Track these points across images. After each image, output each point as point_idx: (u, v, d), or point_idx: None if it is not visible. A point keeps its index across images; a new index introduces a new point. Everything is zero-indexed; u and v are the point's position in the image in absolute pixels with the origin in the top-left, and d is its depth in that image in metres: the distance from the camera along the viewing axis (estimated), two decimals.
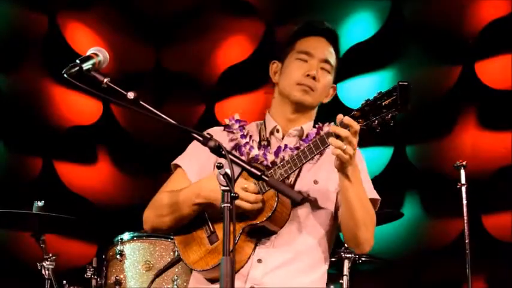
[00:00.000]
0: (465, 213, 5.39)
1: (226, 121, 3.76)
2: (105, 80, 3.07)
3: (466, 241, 5.39)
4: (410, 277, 6.91)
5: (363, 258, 5.60)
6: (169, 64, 7.39)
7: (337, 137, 3.30)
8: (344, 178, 3.39)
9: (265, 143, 3.65)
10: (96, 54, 3.13)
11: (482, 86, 6.76)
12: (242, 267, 3.45)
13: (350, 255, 5.52)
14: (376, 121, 3.34)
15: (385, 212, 5.86)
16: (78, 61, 3.06)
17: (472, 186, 5.49)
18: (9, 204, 5.48)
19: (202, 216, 3.53)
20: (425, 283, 6.90)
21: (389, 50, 7.06)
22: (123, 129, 7.26)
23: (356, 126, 3.31)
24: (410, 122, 6.94)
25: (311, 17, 7.14)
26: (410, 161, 6.98)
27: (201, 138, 3.08)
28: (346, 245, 3.58)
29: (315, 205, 3.56)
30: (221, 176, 2.87)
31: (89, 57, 3.11)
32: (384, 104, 3.32)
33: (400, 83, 3.28)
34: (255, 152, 3.58)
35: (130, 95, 3.05)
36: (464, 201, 5.40)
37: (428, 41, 6.98)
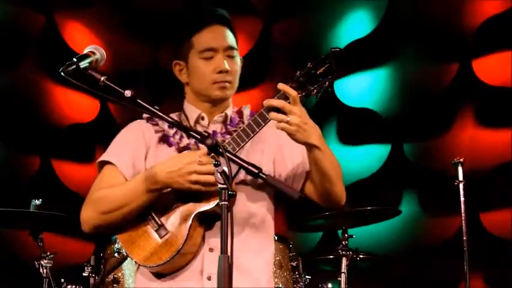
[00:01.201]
0: (463, 211, 5.40)
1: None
2: (103, 78, 3.08)
3: (464, 238, 5.39)
4: (408, 274, 6.91)
5: (361, 256, 5.60)
6: (166, 63, 7.38)
7: (277, 110, 3.28)
8: (307, 147, 3.35)
9: None
10: (93, 53, 3.13)
11: (480, 83, 6.76)
12: (194, 257, 3.39)
13: (348, 253, 5.52)
14: (315, 90, 3.36)
15: (383, 209, 5.88)
16: (75, 59, 3.07)
17: (469, 184, 5.49)
18: (7, 202, 5.47)
19: (144, 211, 3.43)
20: (423, 280, 6.90)
21: (386, 48, 7.06)
22: (121, 127, 7.25)
23: (293, 92, 3.29)
24: (408, 120, 6.95)
25: (308, 15, 7.21)
26: (408, 158, 6.98)
27: (198, 136, 3.08)
28: (321, 204, 3.52)
29: (253, 180, 3.47)
30: (218, 174, 2.87)
31: (86, 56, 3.11)
32: (318, 72, 3.34)
33: (332, 49, 3.33)
34: (186, 140, 3.51)
35: (128, 93, 3.05)
36: (462, 199, 5.40)
37: (425, 38, 6.98)
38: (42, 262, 5.30)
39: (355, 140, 7.00)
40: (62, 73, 3.05)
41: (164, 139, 3.57)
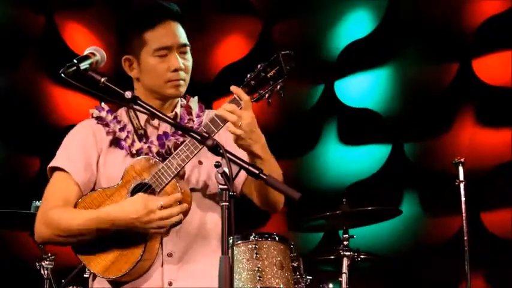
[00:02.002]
0: (464, 210, 5.39)
1: (95, 112, 3.65)
2: (103, 80, 3.08)
3: (465, 238, 5.39)
4: (409, 274, 6.91)
5: (362, 256, 5.59)
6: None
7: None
8: (249, 155, 3.30)
9: (142, 131, 3.50)
10: (94, 54, 3.13)
11: (480, 83, 6.76)
12: (153, 264, 3.36)
13: (349, 253, 5.52)
14: (267, 94, 3.33)
15: (384, 209, 5.87)
16: (75, 61, 3.07)
17: (470, 183, 5.49)
18: (8, 204, 5.47)
19: None
20: (424, 280, 6.90)
21: (386, 48, 7.06)
22: None
23: (245, 97, 3.27)
24: (408, 120, 6.95)
25: (309, 16, 7.20)
26: (409, 158, 6.98)
27: (198, 137, 3.08)
28: (259, 206, 3.52)
29: (203, 186, 3.47)
30: (219, 175, 2.87)
31: (86, 57, 3.11)
32: (269, 75, 3.31)
33: (282, 52, 3.30)
34: (138, 145, 3.46)
35: (128, 94, 3.05)
36: (463, 198, 5.40)
37: (426, 38, 6.98)
38: (43, 263, 5.30)
39: (356, 140, 7.00)
40: (62, 74, 3.05)
41: (115, 142, 3.51)
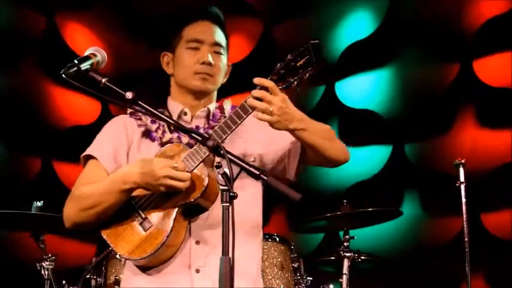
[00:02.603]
0: (464, 212, 5.39)
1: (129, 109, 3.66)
2: (104, 80, 3.08)
3: (465, 239, 5.38)
4: (409, 275, 6.91)
5: (362, 257, 5.59)
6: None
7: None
8: (292, 133, 3.38)
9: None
10: (94, 55, 3.13)
11: (481, 84, 6.76)
12: (180, 250, 3.41)
13: (349, 254, 5.52)
14: (295, 82, 3.39)
15: (384, 210, 5.87)
16: (76, 61, 3.07)
17: (471, 185, 5.49)
18: (9, 204, 5.47)
19: (128, 205, 3.44)
20: (424, 281, 6.89)
21: (387, 48, 7.06)
22: None
23: (269, 83, 3.33)
24: (409, 121, 6.95)
25: (309, 16, 7.21)
26: (409, 159, 6.98)
27: (199, 138, 3.08)
28: (325, 166, 3.59)
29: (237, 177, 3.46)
30: (220, 176, 2.87)
31: (87, 58, 3.11)
32: (298, 64, 3.37)
33: (312, 41, 3.36)
34: (168, 135, 3.55)
35: (129, 95, 3.05)
36: (463, 200, 5.39)
37: (426, 39, 6.98)
38: (43, 264, 5.30)
39: (357, 141, 7.00)
40: (63, 75, 3.05)
41: (147, 134, 3.60)
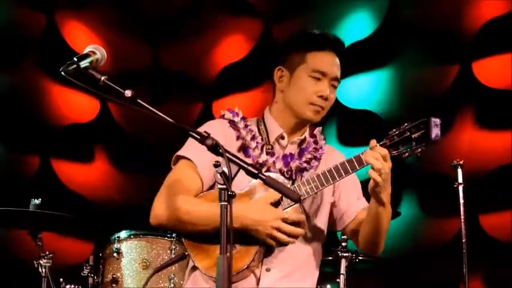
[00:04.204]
0: (462, 213, 5.39)
1: (229, 115, 3.70)
2: (103, 78, 3.07)
3: (463, 240, 5.39)
4: (407, 276, 6.91)
5: (360, 257, 5.59)
6: (167, 62, 7.39)
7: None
8: (376, 201, 3.53)
9: (270, 147, 3.63)
10: (94, 52, 3.12)
11: (480, 85, 6.76)
12: (250, 275, 3.47)
13: (347, 254, 5.52)
14: (407, 153, 3.57)
15: None
16: (75, 59, 3.06)
17: (469, 186, 5.49)
18: (6, 202, 5.47)
19: None
20: (422, 282, 6.90)
21: (386, 49, 7.06)
22: (121, 128, 7.26)
23: (383, 151, 3.48)
24: (408, 121, 6.94)
25: (309, 17, 7.21)
26: (407, 160, 6.96)
27: (198, 137, 3.08)
28: (359, 248, 3.71)
29: (315, 216, 3.66)
30: (218, 175, 2.87)
31: (86, 55, 3.10)
32: (413, 136, 3.50)
33: (433, 118, 3.46)
34: (264, 157, 3.58)
35: (128, 93, 3.04)
36: (461, 201, 5.40)
37: (426, 40, 6.98)
38: (41, 261, 5.29)
39: (355, 142, 7.00)
40: (62, 73, 3.04)
41: (244, 149, 3.61)
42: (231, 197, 2.87)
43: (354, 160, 3.48)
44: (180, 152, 3.61)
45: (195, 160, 3.55)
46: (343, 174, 3.48)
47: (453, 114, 6.89)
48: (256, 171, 2.99)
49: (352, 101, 7.07)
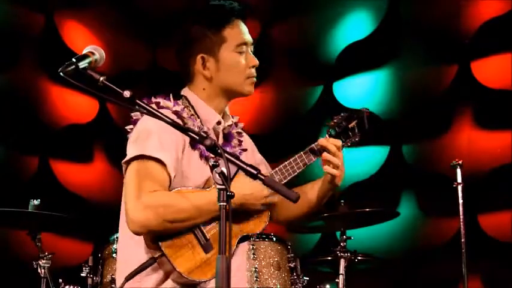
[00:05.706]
0: (461, 213, 5.39)
1: (169, 104, 3.59)
2: (101, 79, 3.07)
3: (462, 240, 5.39)
4: (406, 276, 6.91)
5: (359, 257, 5.59)
6: (165, 63, 7.39)
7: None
8: (328, 188, 3.69)
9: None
10: (93, 53, 3.12)
11: (479, 85, 6.76)
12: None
13: (346, 255, 5.52)
14: (349, 142, 3.75)
15: (382, 211, 5.87)
16: (74, 59, 3.06)
17: (468, 186, 5.49)
18: (5, 202, 5.47)
19: None
20: (421, 282, 6.90)
21: (385, 49, 7.06)
22: (119, 128, 7.25)
23: (337, 142, 3.62)
24: (407, 121, 6.95)
25: (308, 17, 7.20)
26: (407, 160, 6.98)
27: (197, 137, 3.07)
28: (278, 219, 3.78)
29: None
30: (217, 175, 2.87)
31: (85, 56, 3.10)
32: (349, 126, 3.74)
33: (363, 109, 3.82)
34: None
35: (127, 93, 3.04)
36: (461, 201, 5.40)
37: (425, 40, 6.99)
38: (40, 262, 5.29)
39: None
40: (61, 73, 3.04)
41: (193, 145, 3.52)
42: (230, 197, 2.87)
43: (310, 153, 3.60)
44: (147, 152, 3.41)
45: (165, 161, 3.41)
46: (297, 170, 3.62)
47: (452, 114, 6.89)
48: (255, 172, 2.99)
49: (351, 101, 7.06)
